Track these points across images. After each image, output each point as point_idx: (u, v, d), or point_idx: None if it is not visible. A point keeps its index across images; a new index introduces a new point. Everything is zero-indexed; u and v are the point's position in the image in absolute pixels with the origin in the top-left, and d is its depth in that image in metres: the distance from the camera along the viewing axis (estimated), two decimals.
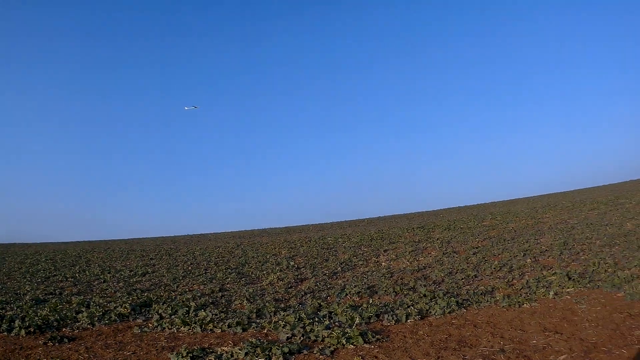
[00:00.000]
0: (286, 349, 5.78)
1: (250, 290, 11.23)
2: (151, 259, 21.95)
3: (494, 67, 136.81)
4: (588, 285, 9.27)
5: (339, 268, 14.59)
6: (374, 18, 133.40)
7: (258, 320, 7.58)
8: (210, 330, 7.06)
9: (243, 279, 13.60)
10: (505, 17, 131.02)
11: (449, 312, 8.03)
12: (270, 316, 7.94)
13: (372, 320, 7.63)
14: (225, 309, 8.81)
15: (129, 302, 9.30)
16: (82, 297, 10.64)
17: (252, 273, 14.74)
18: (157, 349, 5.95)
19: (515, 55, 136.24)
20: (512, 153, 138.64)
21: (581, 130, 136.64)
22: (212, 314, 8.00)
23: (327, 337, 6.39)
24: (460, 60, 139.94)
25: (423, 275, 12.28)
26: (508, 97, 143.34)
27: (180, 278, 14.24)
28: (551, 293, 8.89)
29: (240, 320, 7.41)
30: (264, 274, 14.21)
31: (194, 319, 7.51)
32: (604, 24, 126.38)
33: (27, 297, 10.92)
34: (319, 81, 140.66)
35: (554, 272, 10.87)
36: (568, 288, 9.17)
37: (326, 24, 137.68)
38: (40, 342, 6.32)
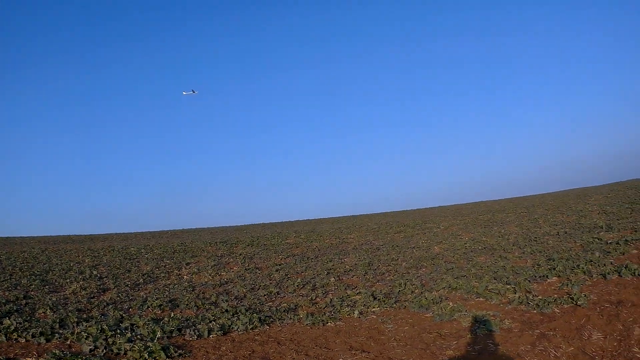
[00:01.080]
0: None
1: (54, 299, 11.58)
2: None
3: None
4: (394, 305, 9.43)
5: (141, 280, 15.09)
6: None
7: (61, 331, 7.97)
8: (15, 339, 7.40)
9: (47, 286, 13.67)
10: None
11: (252, 329, 8.13)
12: (73, 327, 8.32)
13: (174, 335, 7.68)
14: (29, 318, 9.12)
15: None
16: None
17: (55, 281, 14.73)
18: None
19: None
20: (318, 172, 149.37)
21: (385, 153, 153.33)
22: (17, 323, 8.23)
23: (130, 350, 6.53)
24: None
25: (225, 290, 12.55)
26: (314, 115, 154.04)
27: None
28: (356, 312, 9.05)
29: (43, 330, 7.83)
30: (67, 282, 14.37)
31: None
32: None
33: None
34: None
35: (358, 291, 11.11)
36: (373, 308, 9.37)
37: None
38: None
